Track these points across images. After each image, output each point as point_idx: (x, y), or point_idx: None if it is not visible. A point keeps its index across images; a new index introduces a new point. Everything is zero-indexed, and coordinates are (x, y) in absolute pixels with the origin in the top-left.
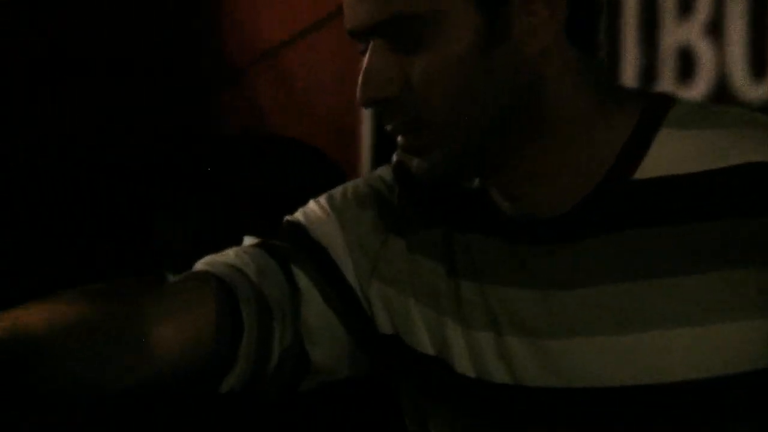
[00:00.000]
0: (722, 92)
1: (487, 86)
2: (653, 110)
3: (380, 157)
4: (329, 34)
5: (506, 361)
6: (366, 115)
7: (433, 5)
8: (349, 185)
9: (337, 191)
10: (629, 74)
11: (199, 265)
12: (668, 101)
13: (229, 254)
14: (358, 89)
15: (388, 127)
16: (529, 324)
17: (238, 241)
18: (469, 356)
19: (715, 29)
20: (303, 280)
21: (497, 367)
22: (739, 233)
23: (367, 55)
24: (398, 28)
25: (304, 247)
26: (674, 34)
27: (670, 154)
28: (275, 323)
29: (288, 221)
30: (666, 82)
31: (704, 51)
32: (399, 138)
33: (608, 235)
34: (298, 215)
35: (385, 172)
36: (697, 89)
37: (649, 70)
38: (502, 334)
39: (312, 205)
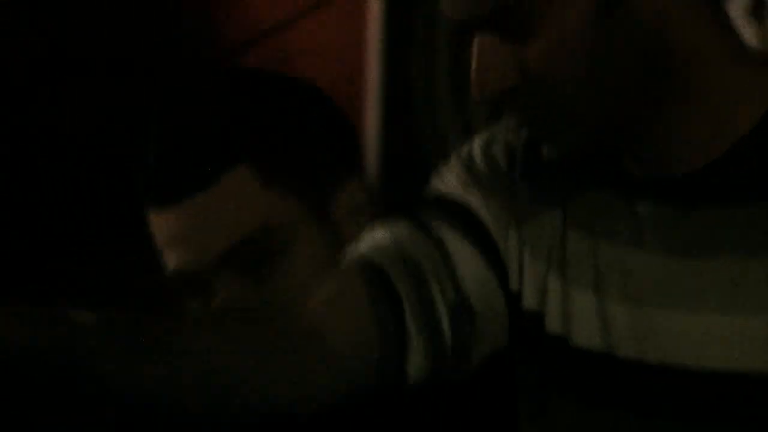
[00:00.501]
0: None
1: (609, 58)
2: None
3: (387, 153)
4: (330, 14)
5: (603, 325)
6: (371, 106)
7: None
8: (475, 143)
9: (465, 150)
10: None
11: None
12: None
13: (365, 237)
14: (473, 86)
15: (512, 121)
16: (635, 288)
17: None
18: (562, 314)
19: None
20: (453, 243)
21: (590, 330)
22: None
23: (475, 50)
24: (506, 17)
25: (450, 211)
26: None
27: None
28: (432, 285)
29: (426, 190)
30: None
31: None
32: (524, 128)
33: (739, 203)
34: (436, 182)
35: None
36: None
37: None
38: (604, 296)
39: (446, 168)
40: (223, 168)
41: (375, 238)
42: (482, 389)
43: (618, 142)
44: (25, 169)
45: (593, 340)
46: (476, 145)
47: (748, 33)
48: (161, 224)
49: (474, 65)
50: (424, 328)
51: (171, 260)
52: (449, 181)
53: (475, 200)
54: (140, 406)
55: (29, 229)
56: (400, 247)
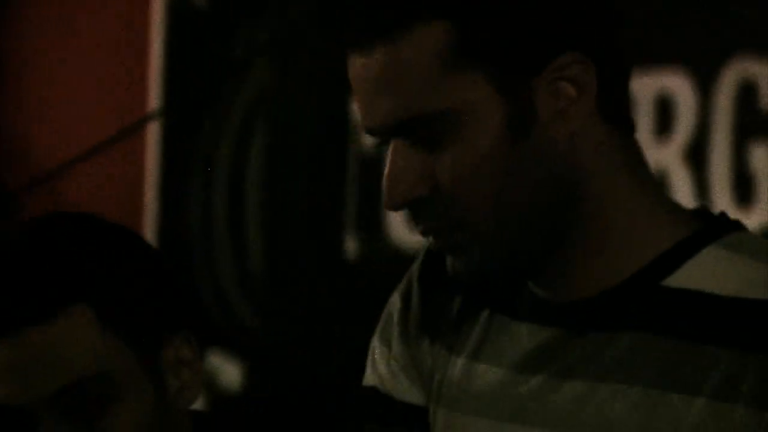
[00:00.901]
0: None
1: (520, 178)
2: (711, 226)
3: None
4: (110, 159)
5: None
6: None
7: (455, 100)
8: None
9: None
10: None
11: None
12: (733, 224)
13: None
14: (384, 193)
15: (419, 228)
16: (508, 408)
17: None
18: None
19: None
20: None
21: None
22: (741, 367)
23: (389, 157)
24: (420, 127)
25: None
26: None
27: (707, 271)
28: None
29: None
30: None
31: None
32: (431, 239)
33: (616, 333)
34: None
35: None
36: None
37: None
38: (496, 420)
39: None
40: (61, 304)
41: None
42: None
43: (522, 266)
44: None
45: None
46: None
47: (681, 176)
48: None
49: (386, 172)
50: None
51: None
52: (379, 370)
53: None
54: None
55: None
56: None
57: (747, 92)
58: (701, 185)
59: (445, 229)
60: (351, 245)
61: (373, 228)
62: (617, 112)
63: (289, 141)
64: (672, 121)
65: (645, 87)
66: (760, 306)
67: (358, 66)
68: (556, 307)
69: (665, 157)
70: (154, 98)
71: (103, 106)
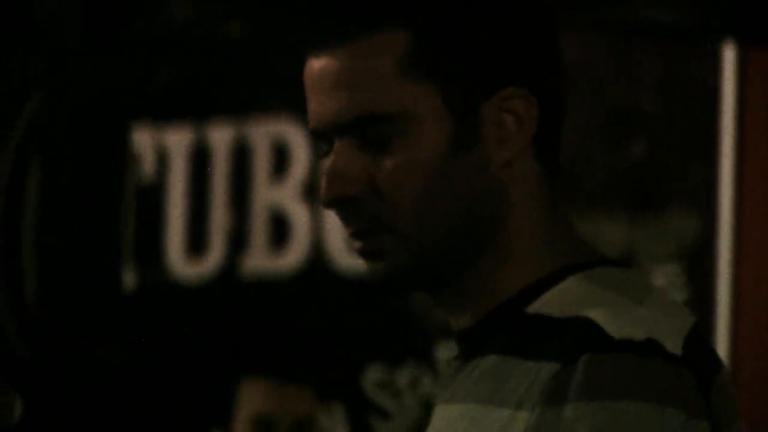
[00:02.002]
0: (318, 259)
1: (451, 192)
2: (584, 261)
3: None
4: None
5: None
6: None
7: (404, 106)
8: None
9: None
10: (217, 237)
11: None
12: (608, 261)
13: None
14: (323, 189)
15: (349, 231)
16: None
17: None
18: None
19: (311, 191)
20: None
21: None
22: (537, 375)
23: (332, 155)
24: (367, 127)
25: None
26: (267, 195)
27: (560, 298)
28: None
29: None
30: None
31: (299, 215)
32: (356, 242)
33: (480, 358)
34: None
35: None
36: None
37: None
38: None
39: None
40: None
41: None
42: None
43: (435, 276)
44: None
45: None
46: None
47: (299, 212)
48: None
49: (327, 168)
50: None
51: None
52: None
53: None
54: None
55: None
56: None
57: None
58: (317, 220)
59: (371, 231)
60: (129, 277)
61: (150, 259)
62: (549, 152)
63: (65, 171)
64: (287, 164)
65: (262, 133)
66: (558, 324)
67: (317, 67)
68: (456, 336)
69: (283, 195)
70: None
71: None
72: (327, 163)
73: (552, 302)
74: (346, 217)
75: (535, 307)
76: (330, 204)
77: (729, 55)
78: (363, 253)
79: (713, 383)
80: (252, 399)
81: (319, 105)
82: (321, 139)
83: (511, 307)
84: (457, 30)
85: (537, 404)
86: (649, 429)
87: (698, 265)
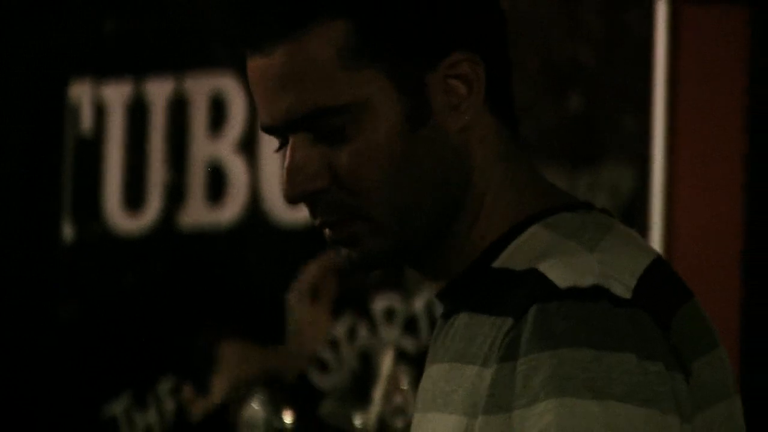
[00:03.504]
0: (256, 212)
1: (415, 169)
2: (546, 209)
3: None
4: None
5: None
6: None
7: (353, 95)
8: None
9: None
10: (155, 194)
11: None
12: (570, 206)
13: None
14: (284, 186)
15: (317, 221)
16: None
17: None
18: None
19: (250, 144)
20: None
21: None
22: (498, 331)
23: (288, 151)
24: (319, 120)
25: None
26: (205, 149)
27: (521, 250)
28: None
29: None
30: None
31: (237, 169)
32: (327, 231)
33: (455, 316)
34: None
35: None
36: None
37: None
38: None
39: None
40: None
41: None
42: None
43: (412, 252)
44: None
45: None
46: None
47: (236, 166)
48: None
49: (286, 165)
50: None
51: None
52: None
53: None
54: None
55: None
56: None
57: None
58: (254, 173)
59: (342, 220)
60: (67, 230)
61: (89, 213)
62: (503, 106)
63: (3, 125)
64: (225, 118)
65: (200, 87)
66: (515, 277)
67: (258, 66)
68: (437, 297)
69: (221, 149)
70: None
71: None
72: (285, 158)
73: (514, 255)
74: (313, 210)
75: (500, 261)
76: (294, 200)
77: (662, 9)
78: (336, 241)
79: (675, 317)
80: (231, 361)
81: (267, 104)
82: (274, 134)
83: (479, 263)
84: (393, 8)
85: (491, 359)
86: (598, 373)
87: (632, 216)
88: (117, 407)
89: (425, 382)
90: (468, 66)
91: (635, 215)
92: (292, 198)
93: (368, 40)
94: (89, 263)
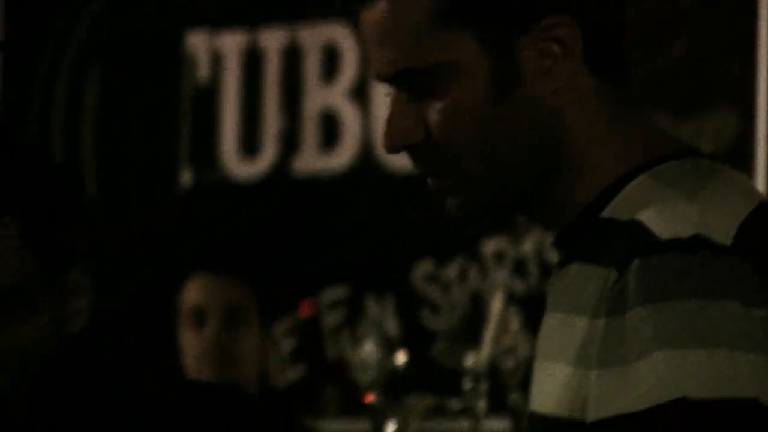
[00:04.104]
0: (368, 159)
1: (504, 130)
2: (656, 157)
3: None
4: None
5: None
6: None
7: (441, 56)
8: None
9: None
10: (270, 141)
11: None
12: (682, 154)
13: None
14: (382, 136)
15: (418, 170)
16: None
17: None
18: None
19: (362, 93)
20: None
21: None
22: (605, 282)
23: (390, 103)
24: (410, 79)
25: None
26: (318, 98)
27: (627, 200)
28: None
29: None
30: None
31: (349, 116)
32: (428, 181)
33: (569, 265)
34: None
35: None
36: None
37: (290, 136)
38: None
39: None
40: None
41: None
42: None
43: (508, 205)
44: None
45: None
46: None
47: (349, 112)
48: None
49: (386, 117)
50: None
51: None
52: None
53: None
54: None
55: None
56: None
57: None
58: (366, 121)
59: (438, 172)
60: (185, 176)
61: (205, 160)
62: (606, 66)
63: (122, 76)
64: (338, 67)
65: (313, 36)
66: (619, 227)
67: (365, 19)
68: (554, 243)
69: (334, 97)
70: None
71: None
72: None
73: (620, 205)
74: (414, 161)
75: (608, 211)
76: (390, 151)
77: None
78: (437, 192)
79: None
80: (189, 292)
81: (371, 56)
82: (383, 83)
83: (587, 213)
84: None
85: (600, 312)
86: (704, 323)
87: (736, 161)
88: None
89: (543, 330)
90: (562, 29)
91: (739, 161)
92: (388, 149)
93: (459, 3)
94: (206, 208)
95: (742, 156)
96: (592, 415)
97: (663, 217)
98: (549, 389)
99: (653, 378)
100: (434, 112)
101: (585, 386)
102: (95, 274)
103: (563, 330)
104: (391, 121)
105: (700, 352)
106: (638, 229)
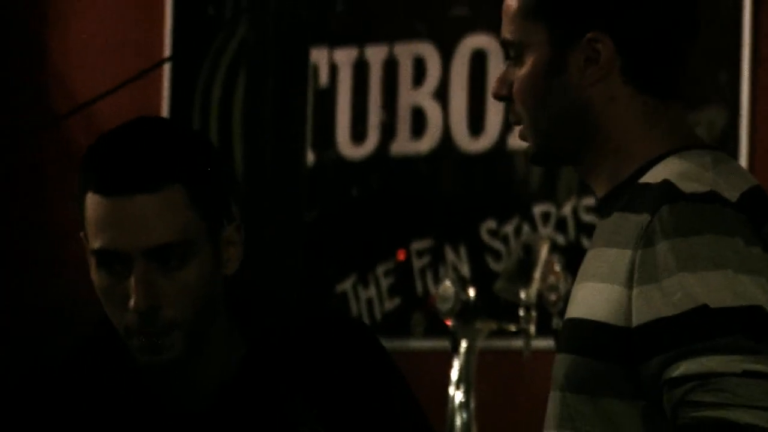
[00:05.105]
0: (447, 145)
1: (547, 101)
2: (683, 146)
3: None
4: (133, 91)
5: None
6: None
7: (523, 36)
8: None
9: None
10: (373, 130)
11: None
12: (705, 146)
13: None
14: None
15: (509, 117)
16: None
17: None
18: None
19: (443, 93)
20: None
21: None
22: (638, 225)
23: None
24: (510, 47)
25: None
26: (409, 98)
27: (659, 171)
28: None
29: None
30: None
31: (433, 112)
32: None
33: (610, 216)
34: None
35: None
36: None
37: (389, 126)
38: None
39: None
40: (165, 182)
41: None
42: None
43: (557, 156)
44: None
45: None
46: None
47: (433, 109)
48: (101, 208)
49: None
50: None
51: (96, 240)
52: None
53: None
54: None
55: None
56: None
57: (476, 58)
58: (446, 115)
59: (517, 121)
60: (310, 156)
61: (325, 144)
62: (642, 78)
63: (264, 81)
64: (424, 75)
65: (406, 52)
66: (652, 187)
67: (505, 4)
68: (599, 201)
69: (421, 97)
70: (166, 48)
71: (127, 50)
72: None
73: (653, 174)
74: (506, 109)
75: (644, 178)
76: (494, 97)
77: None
78: (520, 137)
79: (764, 226)
80: None
81: (502, 28)
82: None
83: (629, 181)
84: None
85: (638, 246)
86: (717, 252)
87: (725, 148)
88: (346, 284)
89: (586, 260)
90: (599, 44)
91: (727, 148)
92: (493, 95)
93: (542, 5)
94: (325, 181)
95: (729, 143)
96: (635, 320)
97: (686, 177)
98: (588, 301)
99: (681, 292)
100: (515, 74)
101: (625, 300)
102: (244, 230)
103: (603, 258)
104: (497, 78)
105: (715, 273)
106: (667, 184)
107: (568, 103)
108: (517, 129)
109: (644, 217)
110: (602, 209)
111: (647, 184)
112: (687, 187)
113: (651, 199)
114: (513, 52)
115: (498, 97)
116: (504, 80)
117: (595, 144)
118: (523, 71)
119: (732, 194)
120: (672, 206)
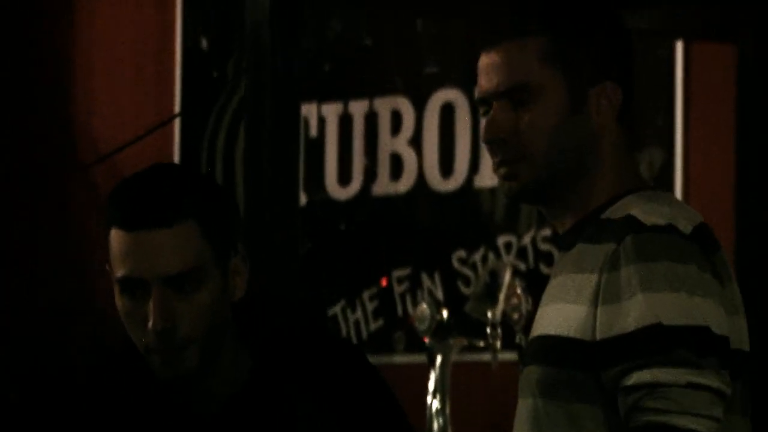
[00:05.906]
0: (421, 186)
1: (565, 139)
2: (638, 185)
3: None
4: (147, 144)
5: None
6: None
7: (537, 78)
8: None
9: None
10: (357, 174)
11: None
12: (653, 187)
13: None
14: (483, 131)
15: (496, 160)
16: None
17: None
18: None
19: (417, 141)
20: None
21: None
22: (604, 254)
23: (491, 112)
24: (516, 92)
25: None
26: (388, 145)
27: (621, 207)
28: None
29: None
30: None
31: (409, 157)
32: (501, 169)
33: (573, 248)
34: None
35: None
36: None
37: (371, 171)
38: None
39: None
40: (180, 218)
41: None
42: None
43: (551, 191)
44: None
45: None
46: None
47: (408, 155)
48: (124, 241)
49: (487, 120)
50: None
51: (120, 269)
52: None
53: None
54: None
55: None
56: None
57: (446, 110)
58: (420, 160)
59: (511, 161)
60: (302, 196)
61: (315, 186)
62: (626, 117)
63: (260, 133)
64: (401, 125)
65: (385, 105)
66: (616, 221)
67: (488, 56)
68: (560, 236)
69: (399, 144)
70: (177, 104)
71: (140, 107)
72: (487, 117)
73: (615, 211)
74: (495, 152)
75: (606, 214)
76: (488, 142)
77: (679, 55)
78: (505, 177)
79: (715, 254)
80: None
81: (487, 81)
82: (483, 103)
83: (593, 215)
84: (576, 41)
85: (603, 270)
86: (673, 277)
87: (662, 185)
88: (336, 308)
89: (549, 289)
90: (613, 91)
91: (664, 185)
92: (486, 140)
93: (558, 54)
94: (316, 218)
95: (666, 180)
96: (599, 335)
97: (647, 212)
98: (557, 320)
99: (639, 311)
100: (526, 116)
101: (591, 317)
102: (249, 261)
103: (569, 284)
104: (493, 121)
105: (670, 295)
106: (631, 218)
107: (582, 140)
108: (489, 169)
109: (610, 246)
110: (563, 242)
111: (609, 219)
112: (649, 220)
113: (616, 230)
114: (518, 95)
115: (495, 140)
116: (502, 124)
117: (588, 176)
118: (536, 112)
119: (686, 227)
120: (635, 236)
